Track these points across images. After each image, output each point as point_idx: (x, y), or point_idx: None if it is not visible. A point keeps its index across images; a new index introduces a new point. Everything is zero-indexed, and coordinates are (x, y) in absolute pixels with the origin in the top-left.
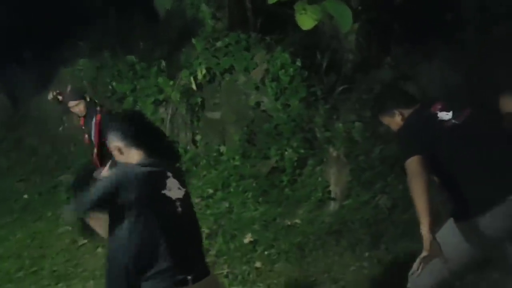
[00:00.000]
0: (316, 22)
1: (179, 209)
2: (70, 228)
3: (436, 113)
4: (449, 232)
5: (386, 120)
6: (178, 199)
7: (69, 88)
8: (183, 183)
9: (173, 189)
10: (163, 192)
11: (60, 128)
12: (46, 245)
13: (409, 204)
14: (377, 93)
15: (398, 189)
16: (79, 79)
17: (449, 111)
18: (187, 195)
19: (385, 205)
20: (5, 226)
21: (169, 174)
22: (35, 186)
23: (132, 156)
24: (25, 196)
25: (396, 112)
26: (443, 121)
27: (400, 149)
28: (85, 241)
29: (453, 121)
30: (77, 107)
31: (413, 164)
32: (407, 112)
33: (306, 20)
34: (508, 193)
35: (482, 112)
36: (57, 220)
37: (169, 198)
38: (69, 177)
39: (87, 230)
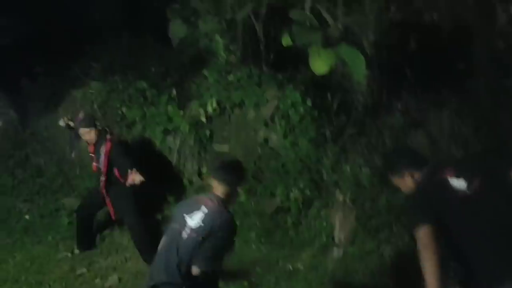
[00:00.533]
0: (329, 67)
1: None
2: (69, 254)
3: (447, 179)
4: None
5: (396, 181)
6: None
7: (81, 115)
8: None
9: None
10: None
11: (72, 154)
12: (45, 271)
13: (414, 255)
14: (387, 153)
15: (404, 240)
16: (89, 102)
17: (460, 178)
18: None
19: (389, 256)
20: (5, 247)
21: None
22: (38, 207)
23: None
24: (27, 217)
25: (407, 173)
26: (454, 189)
27: (411, 215)
28: (84, 270)
29: (465, 190)
30: (88, 134)
31: (424, 233)
32: (417, 174)
33: (320, 65)
34: None
35: (494, 181)
36: (57, 245)
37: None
38: (72, 200)
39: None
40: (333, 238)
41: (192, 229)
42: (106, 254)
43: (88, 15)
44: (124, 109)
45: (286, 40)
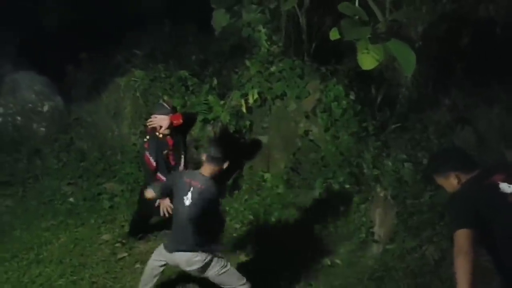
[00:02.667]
0: (377, 63)
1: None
2: (110, 237)
3: (498, 184)
4: None
5: (440, 180)
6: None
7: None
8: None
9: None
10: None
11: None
12: (87, 253)
13: None
14: (435, 152)
15: (447, 239)
16: (132, 90)
17: (511, 183)
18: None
19: (432, 256)
20: (50, 229)
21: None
22: (81, 190)
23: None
24: (71, 199)
25: (453, 174)
26: (504, 194)
27: (451, 216)
28: (125, 254)
29: None
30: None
31: (461, 238)
32: (464, 176)
33: (368, 60)
34: None
35: None
36: (99, 228)
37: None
38: (114, 185)
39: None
40: (372, 234)
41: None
42: (146, 239)
43: (131, 2)
44: (165, 97)
45: (334, 34)
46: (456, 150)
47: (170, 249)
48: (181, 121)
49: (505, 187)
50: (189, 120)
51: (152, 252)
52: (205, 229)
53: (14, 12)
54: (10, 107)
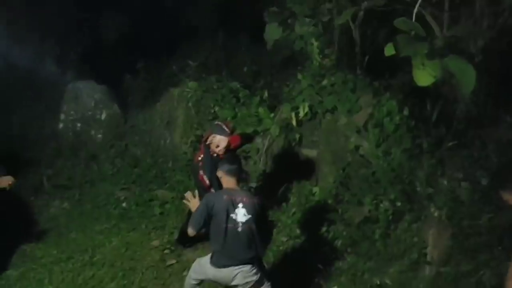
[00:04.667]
0: (434, 80)
1: (239, 229)
2: (160, 243)
3: None
4: None
5: (506, 196)
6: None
7: (223, 123)
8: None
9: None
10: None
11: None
12: (137, 258)
13: None
14: (501, 168)
15: (506, 265)
16: (185, 100)
17: None
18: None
19: (489, 281)
20: (103, 232)
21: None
22: (133, 196)
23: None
24: (124, 204)
25: None
26: None
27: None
28: (174, 261)
29: None
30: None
31: None
32: None
33: (423, 77)
34: None
35: None
36: (149, 233)
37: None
38: (165, 192)
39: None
40: (425, 255)
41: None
42: (194, 248)
43: (186, 14)
44: (216, 108)
45: (389, 50)
46: None
47: (221, 264)
48: (239, 143)
49: None
50: (245, 141)
51: None
52: (259, 241)
53: (76, 24)
54: (71, 114)
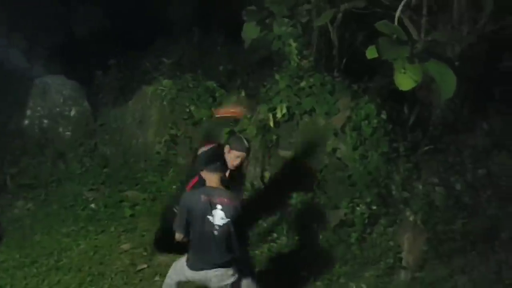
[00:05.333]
0: (415, 84)
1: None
2: (130, 247)
3: None
4: None
5: None
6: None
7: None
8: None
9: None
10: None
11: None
12: (107, 262)
13: None
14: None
15: (480, 270)
16: (159, 98)
17: None
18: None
19: (464, 287)
20: (70, 235)
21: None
22: (103, 197)
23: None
24: (92, 205)
25: None
26: None
27: None
28: (145, 265)
29: None
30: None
31: None
32: None
33: (405, 81)
34: None
35: None
36: (119, 236)
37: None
38: (136, 193)
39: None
40: (400, 260)
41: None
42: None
43: (161, 10)
44: (192, 108)
45: (371, 53)
46: None
47: (197, 268)
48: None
49: None
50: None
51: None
52: (236, 243)
53: (46, 18)
54: (38, 110)
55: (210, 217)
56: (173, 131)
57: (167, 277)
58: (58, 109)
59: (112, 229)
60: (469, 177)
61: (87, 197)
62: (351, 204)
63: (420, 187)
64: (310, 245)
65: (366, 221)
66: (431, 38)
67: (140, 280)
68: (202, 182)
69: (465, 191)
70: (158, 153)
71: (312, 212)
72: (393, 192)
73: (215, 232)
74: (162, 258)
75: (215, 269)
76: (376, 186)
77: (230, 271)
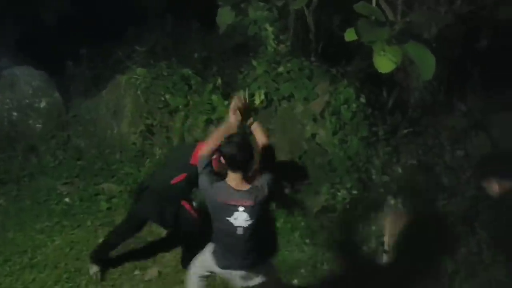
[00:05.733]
0: (395, 66)
1: (240, 233)
2: None
3: None
4: None
5: (484, 184)
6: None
7: None
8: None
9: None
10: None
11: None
12: (83, 258)
13: (473, 271)
14: (485, 156)
15: (461, 252)
16: (133, 87)
17: None
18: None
19: (446, 268)
20: (44, 231)
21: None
22: (77, 190)
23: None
24: (67, 200)
25: (495, 181)
26: None
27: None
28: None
29: None
30: None
31: None
32: (509, 184)
33: (385, 63)
34: None
35: None
36: (96, 231)
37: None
38: (112, 186)
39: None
40: (382, 244)
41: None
42: (144, 244)
43: None
44: (167, 96)
45: (350, 35)
46: (502, 156)
47: (223, 265)
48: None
49: None
50: None
51: (151, 259)
52: (262, 242)
53: (13, 6)
54: (7, 103)
55: (230, 219)
56: (148, 121)
57: (191, 272)
58: (27, 101)
59: (89, 223)
60: (447, 158)
61: (61, 191)
62: (332, 190)
63: (400, 170)
64: (292, 232)
65: (348, 206)
66: (408, 20)
67: (120, 275)
68: (189, 179)
69: (444, 173)
70: (134, 144)
71: (292, 199)
72: (373, 177)
73: (239, 233)
74: (141, 251)
75: (240, 271)
76: (356, 171)
77: (256, 272)
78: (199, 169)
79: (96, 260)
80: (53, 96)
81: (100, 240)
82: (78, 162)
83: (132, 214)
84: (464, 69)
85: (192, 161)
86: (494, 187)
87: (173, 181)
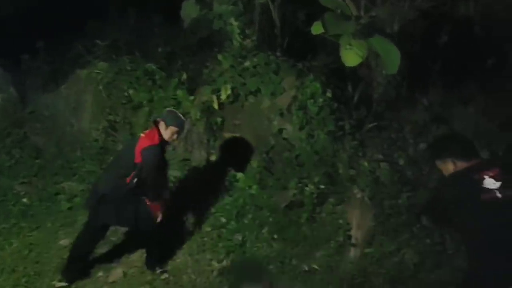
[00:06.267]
0: (361, 60)
1: None
2: (69, 242)
3: (483, 179)
4: None
5: (439, 164)
6: None
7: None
8: None
9: None
10: None
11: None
12: (44, 261)
13: (437, 262)
14: (437, 138)
15: (425, 243)
16: (95, 82)
17: (498, 181)
18: None
19: (411, 260)
20: (1, 233)
21: None
22: (36, 190)
23: None
24: (25, 200)
25: (450, 160)
26: (485, 189)
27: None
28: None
29: (497, 193)
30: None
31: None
32: (461, 164)
33: (351, 57)
34: None
35: None
36: (56, 232)
37: None
38: (73, 185)
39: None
40: (349, 237)
41: None
42: (108, 244)
43: None
44: (131, 91)
45: (317, 29)
46: (457, 137)
47: None
48: None
49: (490, 182)
50: None
51: (115, 259)
52: None
53: None
54: None
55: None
56: (111, 117)
57: None
58: None
59: (49, 224)
60: (411, 152)
61: (18, 191)
62: (299, 185)
63: (366, 164)
64: (260, 228)
65: (315, 200)
66: (372, 14)
67: (83, 278)
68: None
69: (408, 166)
70: (96, 140)
71: (260, 195)
72: (340, 171)
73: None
74: (104, 251)
75: None
76: (323, 165)
77: None
78: None
79: (71, 278)
80: (7, 91)
81: (61, 242)
82: (36, 161)
83: (92, 224)
84: (425, 64)
85: (136, 160)
86: (449, 166)
87: (128, 179)
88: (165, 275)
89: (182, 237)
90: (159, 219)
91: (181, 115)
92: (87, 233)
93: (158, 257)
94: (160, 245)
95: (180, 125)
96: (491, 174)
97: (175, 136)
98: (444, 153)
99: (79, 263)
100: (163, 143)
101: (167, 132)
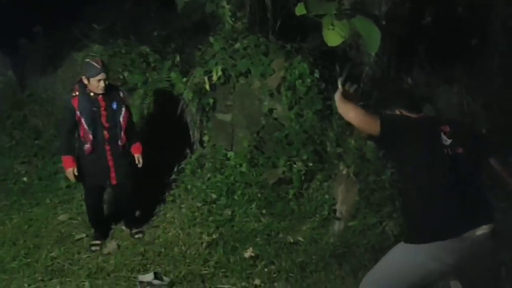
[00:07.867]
0: (343, 39)
1: None
2: (67, 217)
3: (441, 133)
4: (396, 253)
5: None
6: None
7: (97, 60)
8: None
9: None
10: None
11: None
12: (42, 234)
13: None
14: (384, 95)
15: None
16: None
17: (450, 139)
18: None
19: (392, 231)
20: (2, 209)
21: None
22: (36, 169)
23: None
24: (25, 179)
25: (397, 112)
26: (442, 144)
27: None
28: (83, 235)
29: (449, 151)
30: (104, 83)
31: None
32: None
33: (333, 37)
34: (464, 230)
35: (475, 155)
36: (55, 208)
37: None
38: None
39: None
40: (334, 211)
41: None
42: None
43: None
44: (126, 74)
45: (300, 9)
46: (405, 91)
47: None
48: None
49: (444, 138)
50: None
51: (111, 233)
52: None
53: None
54: None
55: None
56: None
57: None
58: None
59: (48, 201)
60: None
61: (18, 170)
62: (288, 163)
63: (353, 142)
64: (249, 204)
65: (303, 177)
66: None
67: (79, 250)
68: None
69: None
70: None
71: (250, 172)
72: (328, 149)
73: None
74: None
75: None
76: (311, 143)
77: None
78: None
79: (103, 235)
80: (6, 75)
81: (60, 218)
82: (36, 141)
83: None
84: (411, 45)
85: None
86: None
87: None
88: (140, 235)
89: (161, 201)
90: (139, 165)
91: (93, 62)
92: (86, 194)
93: (135, 217)
94: (138, 206)
95: (93, 73)
96: (445, 130)
97: (101, 84)
98: (392, 105)
99: (99, 220)
100: (94, 94)
101: (91, 84)
